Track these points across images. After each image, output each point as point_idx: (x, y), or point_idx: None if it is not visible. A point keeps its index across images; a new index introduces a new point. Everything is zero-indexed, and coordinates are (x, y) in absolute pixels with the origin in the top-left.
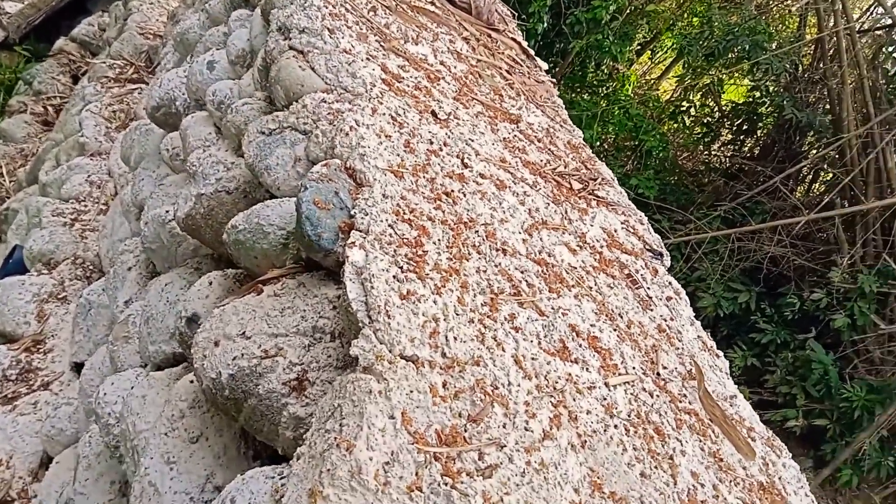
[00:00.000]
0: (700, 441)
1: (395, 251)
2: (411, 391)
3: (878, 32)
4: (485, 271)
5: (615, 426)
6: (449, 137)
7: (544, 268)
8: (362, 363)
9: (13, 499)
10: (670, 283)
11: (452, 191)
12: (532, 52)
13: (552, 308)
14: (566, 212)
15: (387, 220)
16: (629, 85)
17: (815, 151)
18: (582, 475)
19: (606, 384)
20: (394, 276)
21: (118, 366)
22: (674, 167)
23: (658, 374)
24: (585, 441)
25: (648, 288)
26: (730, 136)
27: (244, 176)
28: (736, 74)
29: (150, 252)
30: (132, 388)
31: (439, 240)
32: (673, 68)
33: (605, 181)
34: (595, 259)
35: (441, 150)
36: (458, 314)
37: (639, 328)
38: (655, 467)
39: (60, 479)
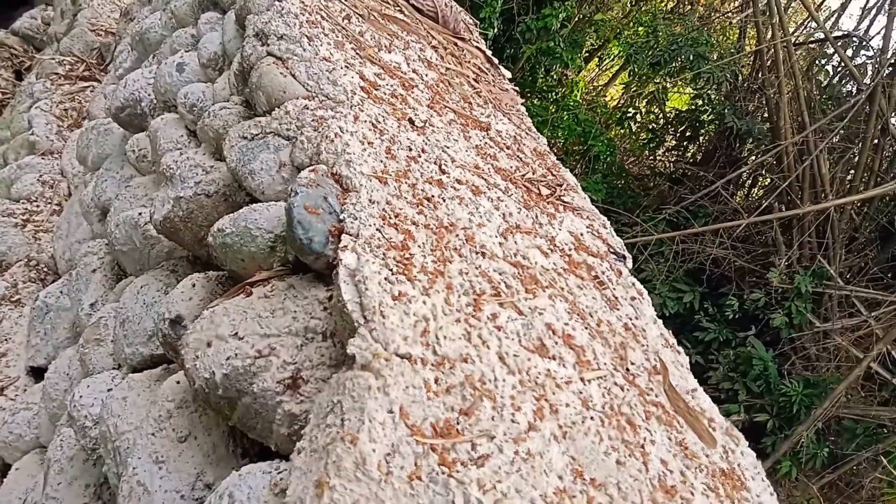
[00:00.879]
0: (667, 431)
1: (384, 254)
2: (407, 387)
3: (812, 46)
4: (467, 273)
5: (592, 418)
6: (426, 144)
7: (520, 270)
8: (360, 361)
9: None
10: (633, 283)
11: (433, 196)
12: (496, 61)
13: (529, 308)
14: (536, 216)
15: (375, 224)
16: (578, 91)
17: (754, 158)
18: (565, 463)
19: (582, 379)
20: (385, 278)
21: (90, 369)
22: (621, 171)
23: (627, 369)
24: (566, 432)
25: (614, 288)
26: (674, 143)
27: (224, 179)
28: (679, 83)
29: (119, 254)
30: (109, 390)
31: (424, 243)
32: (619, 76)
33: (570, 187)
34: (565, 261)
35: (420, 156)
36: (445, 314)
37: (608, 326)
38: (629, 455)
39: (22, 485)
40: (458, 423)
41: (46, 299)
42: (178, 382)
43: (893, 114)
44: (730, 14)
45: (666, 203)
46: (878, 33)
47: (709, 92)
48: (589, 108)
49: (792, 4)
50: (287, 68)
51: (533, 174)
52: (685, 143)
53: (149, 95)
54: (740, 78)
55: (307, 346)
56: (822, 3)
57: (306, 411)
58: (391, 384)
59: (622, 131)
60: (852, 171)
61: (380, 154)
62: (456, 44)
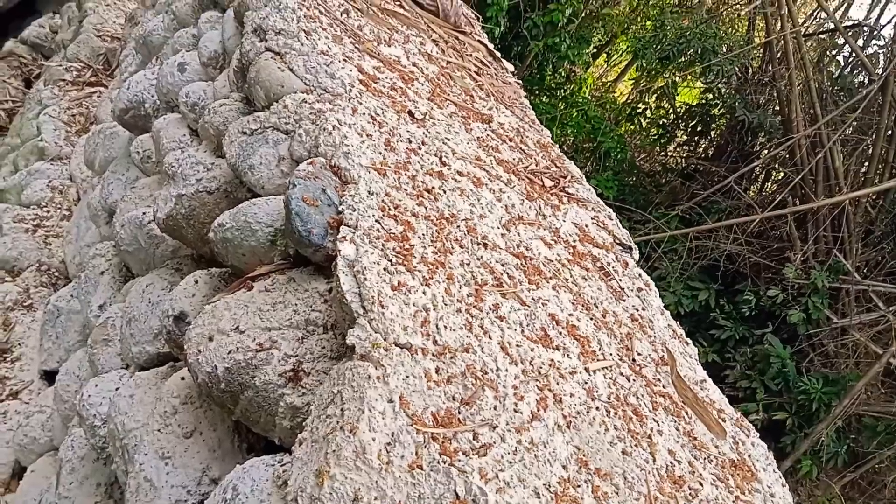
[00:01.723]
0: (675, 422)
1: (383, 245)
2: (407, 376)
3: (822, 36)
4: (468, 264)
5: (597, 408)
6: (426, 136)
7: (523, 261)
8: (359, 351)
9: None
10: (640, 275)
11: (433, 188)
12: (498, 55)
13: (532, 298)
14: (540, 208)
15: (373, 215)
16: (586, 87)
17: (766, 151)
18: (569, 453)
19: (587, 369)
20: (384, 269)
21: (98, 369)
22: (632, 168)
23: (633, 360)
24: (570, 422)
25: (620, 280)
26: (685, 138)
27: (225, 176)
28: (689, 77)
29: (125, 255)
30: (117, 388)
31: (424, 234)
32: (628, 71)
33: (574, 178)
34: (569, 252)
35: (420, 148)
36: (446, 304)
37: (613, 317)
38: (636, 446)
39: (38, 487)
40: (459, 413)
41: (57, 303)
42: (182, 378)
43: None
44: (738, 6)
45: (678, 199)
46: (889, 22)
47: (719, 86)
48: (598, 105)
49: None
50: (285, 63)
51: (536, 166)
52: (696, 138)
53: (152, 97)
54: (750, 71)
55: (308, 338)
56: None
57: (308, 403)
58: (391, 374)
59: (632, 127)
60: (866, 163)
61: (379, 146)
62: (457, 37)
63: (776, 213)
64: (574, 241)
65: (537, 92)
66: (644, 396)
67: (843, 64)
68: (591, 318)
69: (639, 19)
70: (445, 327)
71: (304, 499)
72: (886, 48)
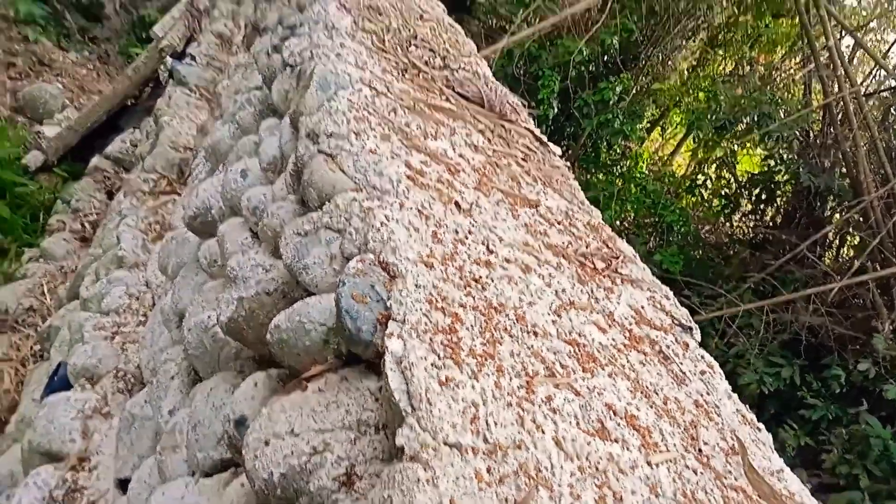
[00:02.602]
0: None
1: (430, 339)
2: (457, 478)
3: (885, 94)
4: (518, 354)
5: None
6: (473, 225)
7: (576, 348)
8: (408, 452)
9: None
10: (703, 356)
11: (480, 277)
12: (545, 139)
13: (587, 388)
14: (592, 291)
15: (421, 308)
16: (642, 162)
17: (837, 216)
18: None
19: (648, 462)
20: (432, 364)
21: (166, 476)
22: (697, 241)
23: (700, 450)
24: None
25: (681, 363)
26: (750, 207)
27: (282, 277)
28: (748, 144)
29: (192, 358)
30: (182, 497)
31: (472, 325)
32: (684, 143)
33: (628, 259)
34: (625, 336)
35: (466, 238)
36: (496, 398)
37: (675, 404)
38: None
39: None
40: None
41: (132, 410)
42: (242, 485)
43: None
44: (792, 70)
45: (749, 271)
46: None
47: (780, 151)
48: (656, 179)
49: (856, 55)
50: (336, 164)
51: (587, 248)
52: (762, 207)
53: (218, 202)
54: (811, 134)
55: (360, 439)
56: (888, 51)
57: None
58: (440, 476)
59: (693, 199)
60: None
61: (426, 238)
62: (503, 126)
63: (856, 279)
64: (629, 324)
65: (593, 170)
66: (714, 491)
67: None
68: (652, 406)
69: (690, 91)
70: (496, 423)
71: None
72: None
